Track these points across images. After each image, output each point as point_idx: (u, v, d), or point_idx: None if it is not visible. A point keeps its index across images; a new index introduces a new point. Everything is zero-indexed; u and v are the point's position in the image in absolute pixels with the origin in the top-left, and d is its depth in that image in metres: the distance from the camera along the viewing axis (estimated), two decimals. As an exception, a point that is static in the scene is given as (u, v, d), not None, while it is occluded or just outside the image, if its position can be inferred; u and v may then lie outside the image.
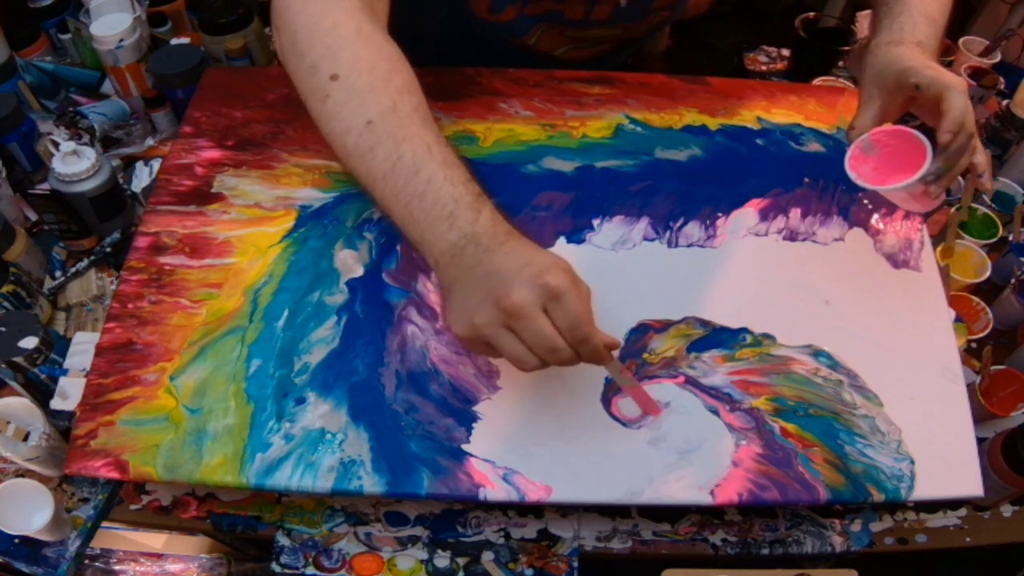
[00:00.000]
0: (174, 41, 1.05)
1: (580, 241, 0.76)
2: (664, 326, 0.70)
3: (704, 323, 0.71)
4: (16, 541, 0.69)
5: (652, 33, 0.92)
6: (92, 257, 0.89)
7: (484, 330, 0.54)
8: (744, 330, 0.71)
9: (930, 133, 0.68)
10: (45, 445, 0.69)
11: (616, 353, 0.62)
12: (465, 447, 0.63)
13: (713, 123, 0.86)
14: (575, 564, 0.74)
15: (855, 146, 0.73)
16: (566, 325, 0.53)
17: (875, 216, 0.79)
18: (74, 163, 0.83)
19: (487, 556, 0.74)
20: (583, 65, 0.92)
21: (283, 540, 0.74)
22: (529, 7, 0.82)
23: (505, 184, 0.79)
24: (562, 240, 0.76)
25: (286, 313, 0.70)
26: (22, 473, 0.73)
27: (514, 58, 0.90)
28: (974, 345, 0.85)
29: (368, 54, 0.62)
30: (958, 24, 1.88)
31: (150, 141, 1.01)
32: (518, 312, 0.53)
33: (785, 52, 1.22)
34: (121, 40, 0.97)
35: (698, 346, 0.69)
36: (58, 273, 0.89)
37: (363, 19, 0.63)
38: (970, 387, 0.75)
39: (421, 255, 0.59)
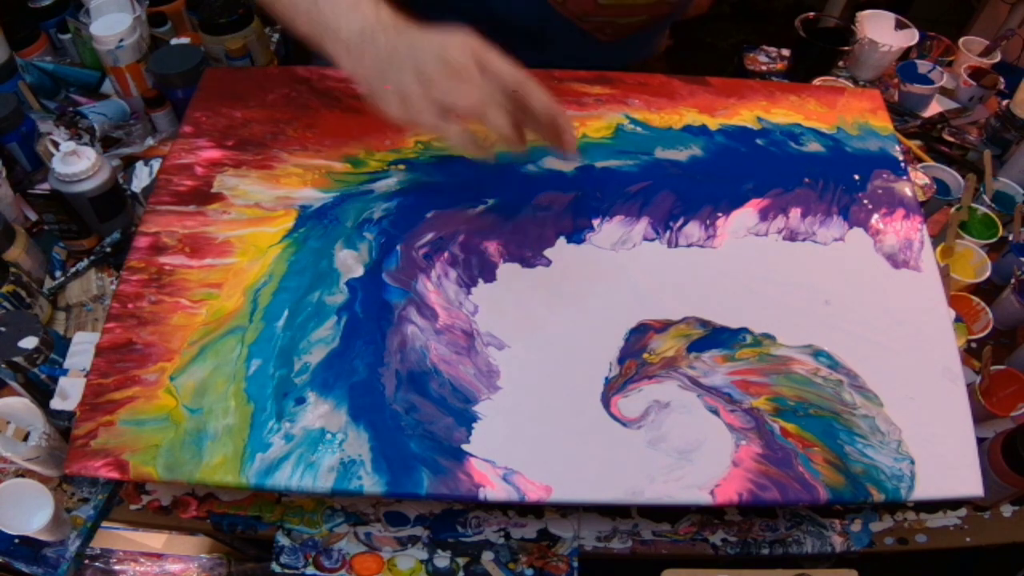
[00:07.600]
0: (174, 41, 1.05)
1: (580, 241, 0.76)
2: (664, 326, 0.70)
3: (704, 323, 0.71)
4: (16, 541, 0.69)
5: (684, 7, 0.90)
6: (92, 257, 0.89)
7: (435, 92, 0.60)
8: (744, 330, 0.71)
9: None
10: (45, 445, 0.69)
11: None
12: (465, 447, 0.63)
13: (713, 123, 0.86)
14: (575, 564, 0.74)
15: None
16: (507, 70, 0.62)
17: (875, 216, 0.79)
18: (74, 163, 0.83)
19: (487, 556, 0.74)
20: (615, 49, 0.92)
21: (283, 540, 0.74)
22: None
23: (505, 184, 0.79)
24: (562, 240, 0.76)
25: (286, 313, 0.70)
26: (22, 473, 0.73)
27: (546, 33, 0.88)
28: (974, 345, 0.85)
29: None
30: (958, 24, 1.88)
31: (150, 141, 1.01)
32: (461, 68, 0.60)
33: (785, 52, 1.22)
34: (121, 40, 0.97)
35: (698, 346, 0.69)
36: (58, 273, 0.89)
37: None
38: (970, 387, 0.74)
39: (325, 53, 0.64)
